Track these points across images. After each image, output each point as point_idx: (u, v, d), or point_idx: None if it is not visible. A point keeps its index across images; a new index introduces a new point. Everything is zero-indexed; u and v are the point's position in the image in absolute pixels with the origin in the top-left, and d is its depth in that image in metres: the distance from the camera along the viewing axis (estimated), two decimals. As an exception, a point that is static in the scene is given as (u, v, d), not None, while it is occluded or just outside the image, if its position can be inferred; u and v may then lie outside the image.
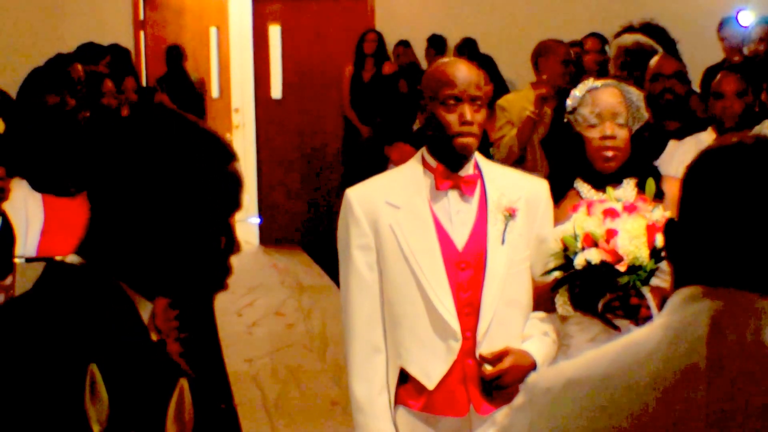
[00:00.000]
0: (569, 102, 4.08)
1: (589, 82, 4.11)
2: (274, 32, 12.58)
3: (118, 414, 1.95)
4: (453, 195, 3.86)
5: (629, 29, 7.02)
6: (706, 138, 5.60)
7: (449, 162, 3.85)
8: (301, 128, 12.52)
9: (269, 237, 12.63)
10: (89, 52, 8.05)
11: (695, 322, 1.96)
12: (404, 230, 3.81)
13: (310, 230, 12.48)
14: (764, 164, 1.96)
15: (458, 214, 3.85)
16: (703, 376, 1.93)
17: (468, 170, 3.87)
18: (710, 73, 6.74)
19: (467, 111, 3.79)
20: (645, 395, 1.96)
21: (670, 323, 1.99)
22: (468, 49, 9.60)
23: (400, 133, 10.40)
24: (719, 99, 5.54)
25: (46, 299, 2.08)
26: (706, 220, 1.98)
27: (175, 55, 11.77)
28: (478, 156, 3.92)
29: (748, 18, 8.80)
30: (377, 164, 10.88)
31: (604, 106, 4.01)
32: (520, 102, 7.27)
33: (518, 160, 7.08)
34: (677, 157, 5.38)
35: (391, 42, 11.89)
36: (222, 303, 10.01)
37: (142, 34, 12.45)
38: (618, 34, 7.03)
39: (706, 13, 10.23)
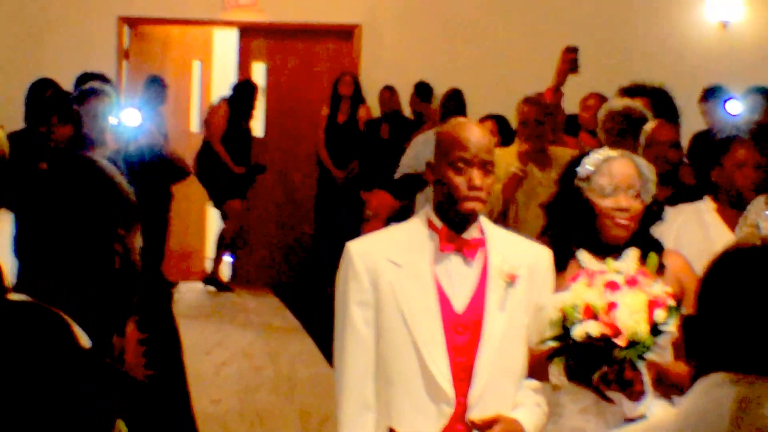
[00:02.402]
0: (582, 169, 4.07)
1: (604, 151, 4.11)
2: (259, 69, 12.57)
3: None
4: (455, 257, 3.84)
5: (632, 90, 7.00)
6: (705, 207, 5.61)
7: (454, 224, 3.83)
8: (279, 168, 12.48)
9: (240, 276, 12.55)
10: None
11: (719, 408, 1.99)
12: (404, 289, 3.79)
13: (281, 272, 12.42)
14: None
15: (459, 277, 3.83)
16: None
17: (472, 233, 3.85)
18: (698, 140, 6.78)
19: (476, 176, 3.77)
20: None
21: (693, 408, 2.02)
22: (454, 100, 9.59)
23: (379, 180, 10.37)
24: (739, 169, 5.54)
25: None
26: (730, 315, 2.02)
27: (156, 85, 11.75)
28: (483, 219, 3.90)
29: (736, 107, 8.78)
30: (352, 208, 10.88)
31: (621, 178, 4.02)
32: (506, 158, 7.24)
33: (500, 216, 7.05)
34: (676, 227, 5.40)
35: (375, 86, 11.90)
36: (191, 341, 9.96)
37: (124, 63, 12.41)
38: (625, 92, 7.02)
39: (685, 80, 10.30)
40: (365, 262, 3.83)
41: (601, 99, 7.83)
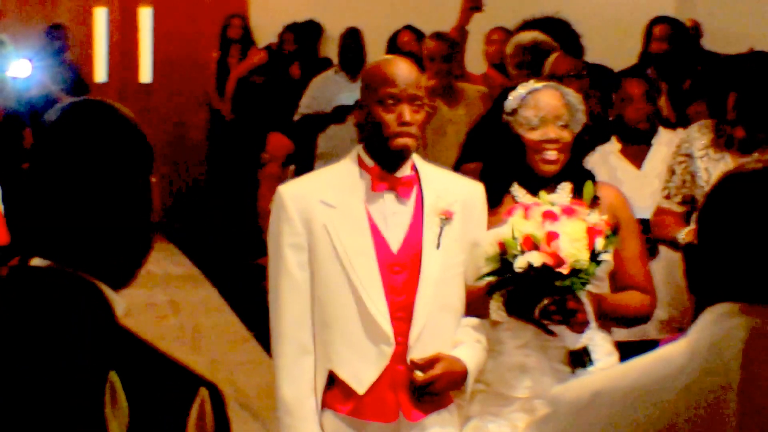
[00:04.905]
0: (509, 103, 4.00)
1: (530, 84, 4.04)
2: (145, 14, 12.28)
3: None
4: (389, 196, 3.78)
5: (530, 24, 6.97)
6: (610, 149, 5.60)
7: (386, 162, 3.77)
8: (170, 114, 12.28)
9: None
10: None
11: (730, 340, 1.95)
12: (338, 230, 3.73)
13: (175, 219, 12.21)
14: None
15: (394, 216, 3.78)
16: (735, 395, 1.92)
17: (405, 171, 3.79)
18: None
19: (406, 111, 3.71)
20: (673, 410, 1.95)
21: (703, 339, 1.98)
22: (352, 39, 9.45)
23: (275, 123, 10.21)
24: (628, 103, 5.54)
25: (14, 305, 2.01)
26: (734, 242, 1.97)
27: (56, 35, 11.39)
28: (415, 157, 3.83)
29: None
30: (244, 154, 10.70)
31: (547, 109, 3.95)
32: None
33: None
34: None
35: (265, 27, 11.67)
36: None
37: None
38: (519, 29, 6.98)
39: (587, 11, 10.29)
40: (297, 204, 3.76)
41: (506, 33, 7.76)
